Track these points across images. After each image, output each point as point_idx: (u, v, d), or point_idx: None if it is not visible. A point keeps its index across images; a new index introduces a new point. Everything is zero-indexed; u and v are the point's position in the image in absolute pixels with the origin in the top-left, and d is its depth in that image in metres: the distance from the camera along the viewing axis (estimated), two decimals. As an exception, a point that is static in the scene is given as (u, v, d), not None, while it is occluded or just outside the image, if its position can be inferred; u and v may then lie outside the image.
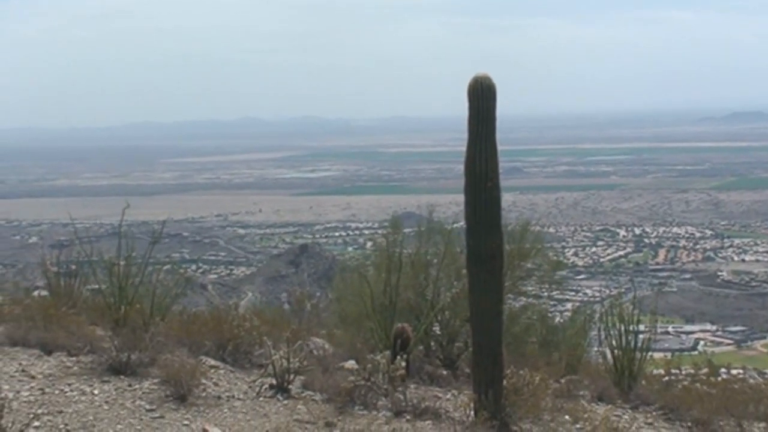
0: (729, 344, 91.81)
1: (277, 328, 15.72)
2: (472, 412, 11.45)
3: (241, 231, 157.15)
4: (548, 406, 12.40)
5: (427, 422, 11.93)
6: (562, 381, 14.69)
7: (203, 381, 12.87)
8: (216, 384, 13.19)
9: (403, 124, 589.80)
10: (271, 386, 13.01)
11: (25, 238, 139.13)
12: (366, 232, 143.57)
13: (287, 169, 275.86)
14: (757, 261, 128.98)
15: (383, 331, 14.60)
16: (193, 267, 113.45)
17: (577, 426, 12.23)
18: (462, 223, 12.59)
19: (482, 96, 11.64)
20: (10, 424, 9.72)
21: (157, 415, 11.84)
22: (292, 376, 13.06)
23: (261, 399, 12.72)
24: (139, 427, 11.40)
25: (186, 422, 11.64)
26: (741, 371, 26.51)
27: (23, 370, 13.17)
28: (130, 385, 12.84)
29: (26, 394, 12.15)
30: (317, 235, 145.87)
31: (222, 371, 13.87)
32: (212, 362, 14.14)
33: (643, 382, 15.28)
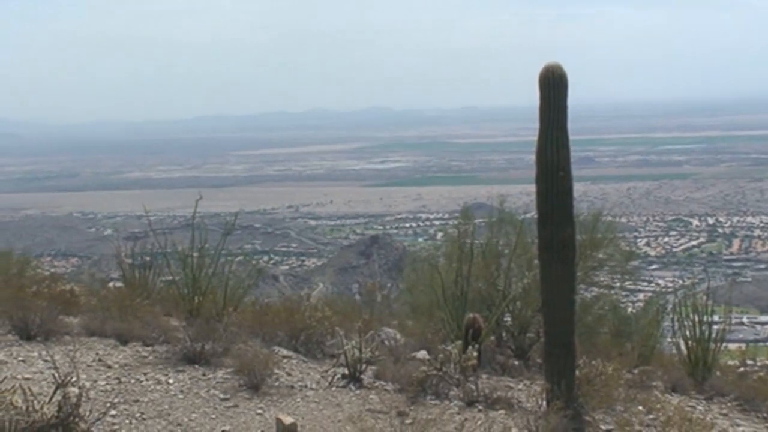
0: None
1: (348, 318, 15.82)
2: (545, 402, 11.42)
3: (312, 222, 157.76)
4: (621, 397, 12.34)
5: (500, 412, 11.93)
6: (635, 371, 14.61)
7: (276, 371, 12.97)
8: (289, 374, 13.29)
9: (473, 115, 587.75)
10: (344, 376, 13.09)
11: (100, 230, 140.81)
12: (436, 223, 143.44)
13: (357, 160, 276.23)
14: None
15: (454, 322, 14.62)
16: (265, 258, 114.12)
17: (651, 416, 12.15)
18: (533, 214, 12.56)
19: (553, 85, 11.59)
20: (87, 413, 9.85)
21: (231, 404, 11.96)
22: (364, 366, 13.13)
23: (333, 389, 12.80)
24: (213, 416, 11.52)
25: (259, 411, 11.75)
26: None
27: (100, 360, 13.37)
28: (204, 375, 12.98)
29: (103, 383, 12.32)
30: (388, 226, 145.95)
31: (294, 361, 13.97)
32: (285, 352, 14.25)
33: (718, 373, 15.15)
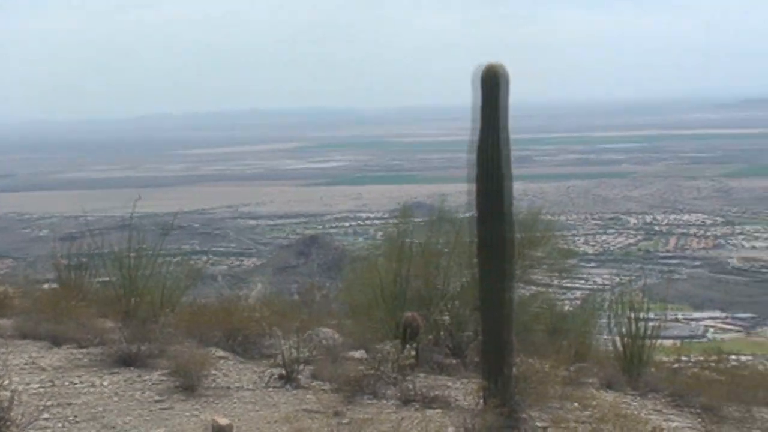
0: (738, 331, 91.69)
1: (286, 318, 15.77)
2: (481, 400, 11.46)
3: (252, 222, 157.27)
4: (557, 394, 12.42)
5: (437, 411, 11.95)
6: (571, 369, 14.70)
7: (212, 372, 12.93)
8: (225, 375, 13.24)
9: (413, 114, 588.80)
10: (280, 376, 13.05)
11: (35, 231, 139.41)
12: (376, 222, 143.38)
13: (297, 159, 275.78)
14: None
15: (392, 321, 14.63)
16: (203, 258, 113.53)
17: (586, 413, 12.23)
18: (472, 212, 12.59)
19: (494, 84, 11.62)
20: (19, 416, 9.76)
21: (166, 406, 11.89)
22: (301, 366, 13.10)
23: (270, 389, 12.76)
24: (148, 418, 11.44)
25: (195, 413, 11.69)
26: (750, 358, 26.54)
27: (33, 362, 13.25)
28: (139, 377, 12.89)
29: (36, 386, 12.22)
30: (327, 226, 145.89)
31: (231, 362, 13.92)
32: (221, 353, 14.19)
33: (652, 369, 15.29)
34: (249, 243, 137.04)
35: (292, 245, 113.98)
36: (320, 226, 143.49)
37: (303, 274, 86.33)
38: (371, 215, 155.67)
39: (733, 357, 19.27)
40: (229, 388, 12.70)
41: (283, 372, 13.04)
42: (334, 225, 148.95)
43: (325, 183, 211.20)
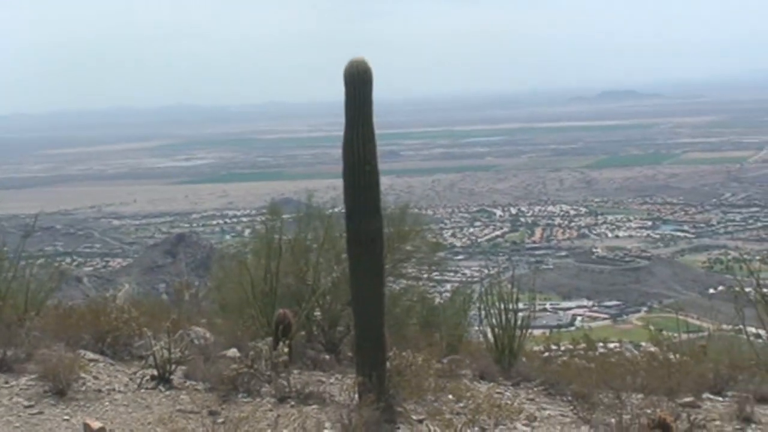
0: (605, 319, 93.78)
1: (156, 319, 15.53)
2: (357, 395, 11.46)
3: (116, 222, 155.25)
4: (431, 386, 12.47)
5: (313, 407, 11.91)
6: (444, 361, 14.79)
7: (82, 375, 12.66)
8: (96, 377, 12.98)
9: (278, 110, 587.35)
10: (153, 377, 12.86)
11: None
12: (244, 219, 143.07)
13: (161, 158, 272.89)
14: (630, 237, 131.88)
15: (264, 318, 14.54)
16: (68, 260, 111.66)
17: (461, 404, 12.32)
18: (340, 208, 12.57)
19: (358, 80, 11.61)
20: None
21: (35, 411, 11.62)
22: (173, 367, 12.93)
23: (142, 391, 12.56)
24: (17, 425, 11.16)
25: (66, 417, 11.44)
26: (617, 345, 27.03)
27: None
28: (6, 383, 12.58)
29: None
30: (194, 224, 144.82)
31: (102, 364, 13.66)
32: (91, 355, 13.92)
33: (523, 359, 15.47)
34: (114, 243, 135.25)
35: (158, 245, 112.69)
36: (187, 225, 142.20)
37: (171, 274, 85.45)
38: (238, 213, 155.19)
39: (601, 344, 19.64)
40: (100, 391, 12.46)
41: (156, 373, 12.85)
42: (201, 223, 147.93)
43: (190, 181, 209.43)
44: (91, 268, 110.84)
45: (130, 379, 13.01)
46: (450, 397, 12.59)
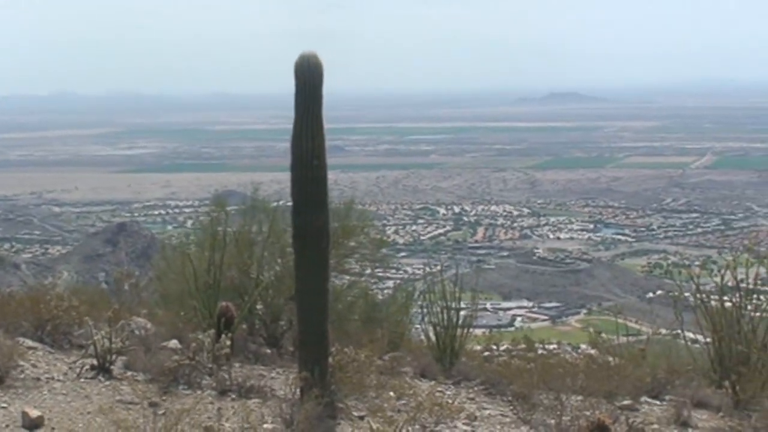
0: (544, 320, 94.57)
1: (96, 308, 15.41)
2: (298, 390, 11.45)
3: (57, 209, 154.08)
4: (373, 383, 12.48)
5: (253, 401, 11.87)
6: (386, 358, 14.81)
7: (21, 362, 12.51)
8: (34, 366, 12.84)
9: (224, 101, 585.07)
10: (93, 367, 12.74)
11: None
12: (186, 210, 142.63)
13: (104, 146, 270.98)
14: (571, 239, 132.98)
15: (207, 310, 14.48)
16: (6, 246, 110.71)
17: (402, 402, 12.34)
18: (286, 201, 12.54)
19: (309, 74, 11.60)
20: None
21: (-28, 399, 11.47)
22: (113, 357, 12.82)
23: (82, 380, 12.44)
24: (-47, 413, 11.02)
25: (4, 405, 11.30)
26: (556, 346, 27.27)
27: None
28: (-58, 370, 12.41)
29: None
30: (136, 214, 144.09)
31: (41, 352, 13.51)
32: (30, 343, 13.76)
33: (464, 358, 15.52)
34: (54, 231, 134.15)
35: (99, 233, 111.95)
36: (129, 214, 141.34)
37: (111, 263, 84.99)
38: (181, 203, 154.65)
39: (540, 346, 19.77)
40: (39, 379, 12.32)
41: (96, 363, 12.73)
42: (143, 213, 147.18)
43: (133, 170, 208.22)
44: (29, 255, 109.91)
45: (70, 368, 12.88)
46: (391, 394, 12.60)
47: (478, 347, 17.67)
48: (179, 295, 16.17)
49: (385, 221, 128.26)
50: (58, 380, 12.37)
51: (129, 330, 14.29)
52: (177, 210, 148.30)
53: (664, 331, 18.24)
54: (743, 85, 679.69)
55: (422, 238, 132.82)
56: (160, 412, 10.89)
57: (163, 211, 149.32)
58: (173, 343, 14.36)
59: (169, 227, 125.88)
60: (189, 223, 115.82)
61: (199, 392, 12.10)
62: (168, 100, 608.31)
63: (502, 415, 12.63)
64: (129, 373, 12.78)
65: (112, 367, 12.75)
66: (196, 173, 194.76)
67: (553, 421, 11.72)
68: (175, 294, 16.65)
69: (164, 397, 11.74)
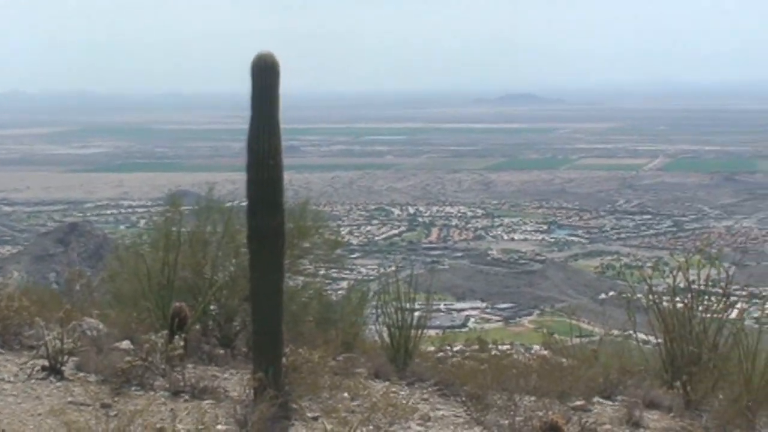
0: (498, 321, 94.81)
1: (47, 308, 15.29)
2: (252, 391, 11.42)
3: (7, 208, 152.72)
4: (327, 384, 12.48)
5: (207, 402, 11.83)
6: (340, 358, 14.80)
7: (-31, 363, 12.42)
8: (-17, 366, 12.74)
9: (178, 100, 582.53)
10: (44, 368, 12.64)
11: None
12: (139, 210, 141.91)
13: (57, 144, 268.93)
14: (525, 240, 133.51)
15: (160, 311, 14.40)
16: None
17: (356, 402, 12.34)
18: (239, 201, 12.51)
19: (265, 73, 11.60)
20: None
21: None
22: (65, 358, 12.73)
23: (33, 381, 12.34)
24: None
25: (-48, 406, 11.20)
26: (509, 347, 27.32)
27: None
28: None
29: None
30: (88, 213, 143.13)
31: (-10, 353, 13.40)
32: (-21, 344, 13.65)
33: (417, 359, 15.53)
34: (4, 230, 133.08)
35: (51, 233, 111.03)
36: (81, 214, 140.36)
37: (62, 263, 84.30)
38: (134, 203, 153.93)
39: (493, 346, 19.84)
40: (-12, 380, 12.23)
41: (47, 363, 12.64)
42: (95, 213, 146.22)
43: (86, 169, 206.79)
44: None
45: (20, 369, 12.77)
46: (345, 395, 12.60)
47: (432, 348, 17.69)
48: (132, 295, 16.07)
49: (339, 222, 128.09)
50: (9, 381, 12.26)
51: (80, 331, 14.20)
52: (130, 210, 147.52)
53: (616, 332, 18.34)
54: (698, 87, 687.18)
55: (376, 238, 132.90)
56: (113, 413, 10.83)
57: (115, 211, 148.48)
58: (126, 343, 14.28)
59: (122, 227, 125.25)
60: (142, 223, 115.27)
61: (151, 393, 12.04)
62: (122, 99, 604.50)
63: (455, 415, 12.67)
64: (81, 374, 12.69)
65: (63, 368, 12.66)
66: (149, 173, 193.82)
67: (506, 422, 11.77)
68: (128, 294, 16.55)
69: (116, 399, 11.66)
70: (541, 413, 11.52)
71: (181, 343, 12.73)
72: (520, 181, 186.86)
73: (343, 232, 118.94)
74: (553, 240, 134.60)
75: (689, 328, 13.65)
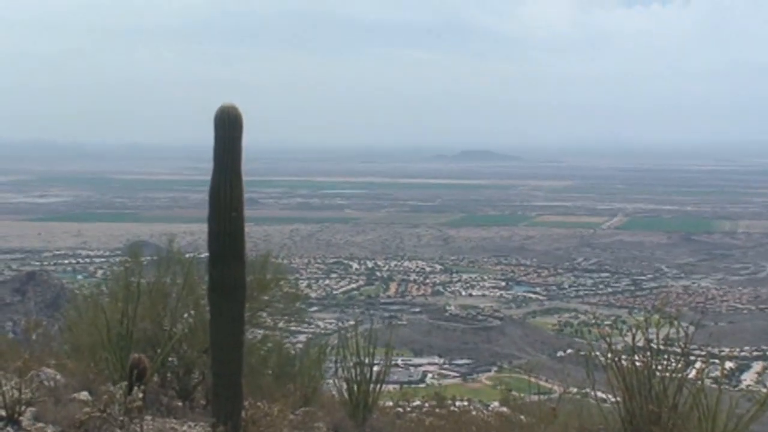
0: (455, 377, 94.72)
1: (3, 357, 15.17)
2: (211, 444, 11.37)
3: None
4: (286, 438, 12.44)
5: (165, 454, 11.76)
6: (299, 412, 14.75)
7: (-74, 413, 12.27)
8: (-60, 416, 12.59)
9: (137, 151, 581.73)
10: (1, 418, 12.53)
11: None
12: (97, 260, 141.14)
13: (15, 193, 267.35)
14: (484, 296, 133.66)
15: (119, 362, 14.31)
16: None
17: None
18: (199, 253, 12.50)
19: (229, 125, 11.65)
20: None
21: None
22: (23, 408, 12.61)
23: (-11, 432, 12.23)
24: None
25: None
26: (466, 403, 27.30)
27: None
28: None
29: None
30: (46, 263, 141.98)
31: (-54, 403, 13.24)
32: (-64, 393, 13.48)
33: (376, 414, 15.50)
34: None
35: (7, 282, 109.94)
36: (38, 263, 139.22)
37: (20, 312, 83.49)
38: (92, 253, 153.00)
39: (451, 402, 19.83)
40: (-56, 430, 12.10)
41: (4, 413, 12.52)
42: (53, 262, 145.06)
43: (44, 218, 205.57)
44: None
45: (-23, 419, 12.65)
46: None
47: (390, 403, 17.67)
48: (91, 345, 15.96)
49: (298, 275, 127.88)
50: (-35, 432, 12.14)
51: (38, 381, 14.08)
52: (88, 260, 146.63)
53: (574, 389, 18.37)
54: (642, 145, 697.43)
55: (335, 292, 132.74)
56: (70, 464, 10.74)
57: (73, 261, 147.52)
58: (84, 394, 14.16)
59: (80, 277, 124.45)
60: (99, 273, 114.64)
61: (109, 445, 11.95)
62: (82, 148, 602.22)
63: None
64: (39, 425, 12.57)
65: (21, 418, 12.53)
66: (108, 223, 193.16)
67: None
68: (86, 345, 16.43)
69: (74, 450, 11.57)
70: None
71: (140, 395, 12.64)
72: (479, 237, 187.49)
73: (301, 286, 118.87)
74: (511, 296, 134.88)
75: (649, 386, 13.70)
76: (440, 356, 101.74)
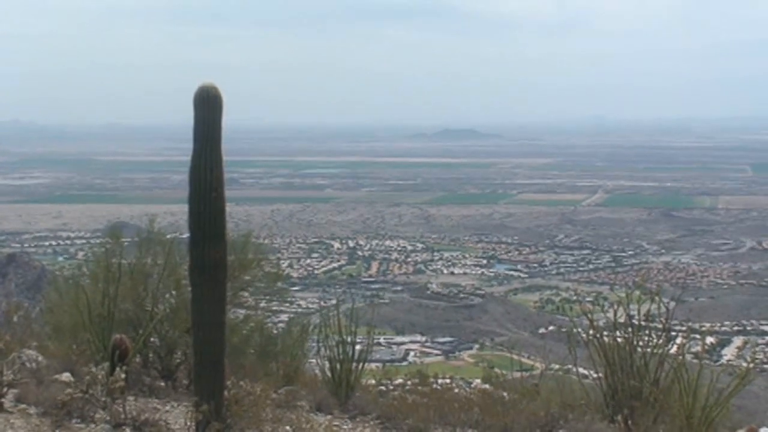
0: (438, 354, 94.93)
1: (-16, 340, 15.12)
2: (194, 424, 11.36)
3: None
4: (269, 417, 12.43)
5: (149, 434, 11.76)
6: (281, 391, 14.76)
7: None
8: None
9: (116, 132, 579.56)
10: (-17, 400, 12.51)
11: None
12: (78, 242, 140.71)
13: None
14: (465, 274, 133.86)
15: (101, 343, 14.29)
16: None
17: (298, 436, 12.32)
18: (179, 233, 12.46)
19: (208, 105, 11.58)
20: None
21: None
22: (5, 389, 12.59)
23: (-28, 414, 12.20)
24: None
25: None
26: (449, 381, 27.36)
27: None
28: None
29: None
30: (26, 245, 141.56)
31: (-72, 386, 13.21)
32: None
33: (359, 392, 15.53)
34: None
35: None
36: (18, 245, 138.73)
37: (0, 294, 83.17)
38: (72, 235, 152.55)
39: (433, 380, 19.87)
40: (-75, 413, 12.07)
41: (-14, 396, 12.50)
42: (33, 244, 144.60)
43: (24, 200, 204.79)
44: None
45: (-41, 401, 12.62)
46: (288, 428, 12.57)
47: (373, 381, 17.69)
48: (72, 327, 15.93)
49: (279, 255, 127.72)
50: (-53, 414, 12.11)
51: (20, 362, 14.06)
52: (68, 241, 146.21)
53: (556, 366, 18.42)
54: (625, 124, 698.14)
55: (316, 272, 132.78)
56: (53, 445, 10.74)
57: (54, 242, 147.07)
58: (66, 375, 14.15)
59: (60, 258, 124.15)
60: (80, 254, 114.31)
61: (92, 426, 11.94)
62: (59, 129, 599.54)
63: (396, 449, 12.68)
64: (21, 406, 12.56)
65: (3, 400, 12.52)
66: (88, 204, 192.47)
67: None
68: (67, 326, 16.40)
69: (57, 431, 11.56)
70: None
71: (122, 376, 12.63)
72: (460, 215, 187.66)
73: (283, 265, 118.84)
74: (492, 274, 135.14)
75: (630, 362, 13.77)
76: (422, 334, 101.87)
